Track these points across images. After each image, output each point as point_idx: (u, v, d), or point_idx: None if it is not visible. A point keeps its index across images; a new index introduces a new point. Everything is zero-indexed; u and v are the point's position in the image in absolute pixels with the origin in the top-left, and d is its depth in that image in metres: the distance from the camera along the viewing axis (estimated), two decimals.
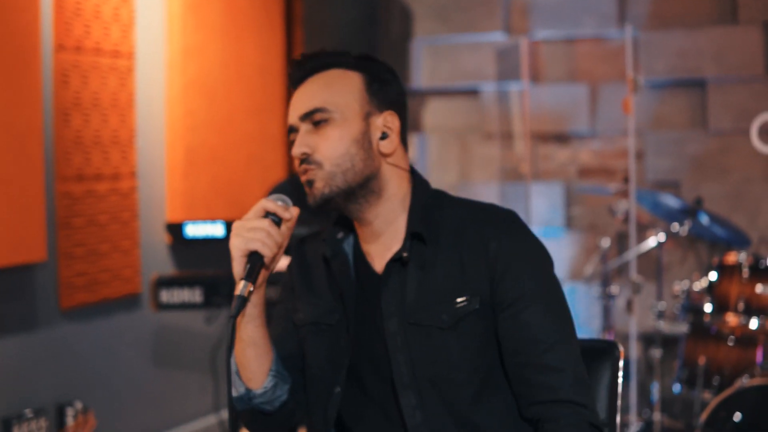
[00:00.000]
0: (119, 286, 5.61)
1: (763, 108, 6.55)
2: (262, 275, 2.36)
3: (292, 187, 6.00)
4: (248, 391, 2.47)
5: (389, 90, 2.49)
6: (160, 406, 6.06)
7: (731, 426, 4.99)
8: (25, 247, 4.95)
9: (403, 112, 2.52)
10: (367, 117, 2.45)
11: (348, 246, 2.53)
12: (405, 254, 2.41)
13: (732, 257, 5.42)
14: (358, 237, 2.52)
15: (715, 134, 6.87)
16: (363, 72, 2.48)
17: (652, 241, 5.95)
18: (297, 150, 2.43)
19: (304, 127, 2.44)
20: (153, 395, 5.99)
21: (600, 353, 2.62)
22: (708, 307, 5.42)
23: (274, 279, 2.54)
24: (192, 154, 6.08)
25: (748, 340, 5.54)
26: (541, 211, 7.14)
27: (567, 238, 7.22)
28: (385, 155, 2.46)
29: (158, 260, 5.96)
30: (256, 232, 2.33)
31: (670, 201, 6.05)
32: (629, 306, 5.02)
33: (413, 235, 2.43)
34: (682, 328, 5.62)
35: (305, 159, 2.42)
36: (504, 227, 2.43)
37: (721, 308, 5.38)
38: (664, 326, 5.72)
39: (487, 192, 7.44)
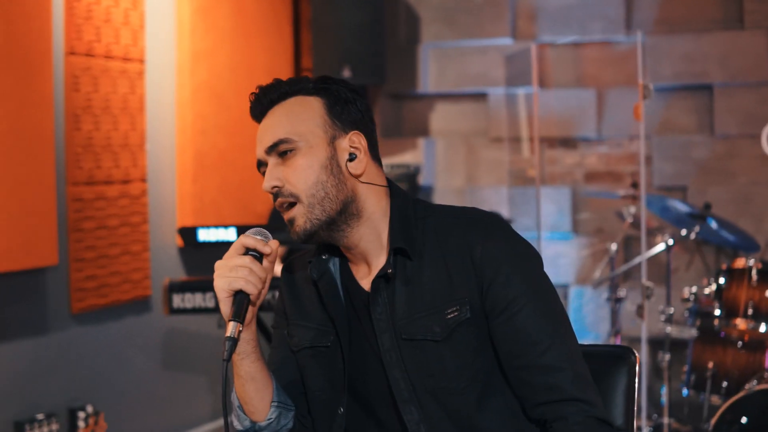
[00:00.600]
0: (129, 290, 5.63)
1: None
2: (251, 312, 2.36)
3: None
4: (253, 424, 2.48)
5: (351, 109, 2.46)
6: (171, 409, 6.07)
7: (739, 430, 5.00)
8: (36, 251, 4.97)
9: (369, 128, 2.49)
10: (332, 141, 2.42)
11: (334, 266, 2.51)
12: (390, 270, 2.40)
13: (740, 262, 5.43)
14: (344, 257, 2.51)
15: (721, 139, 6.88)
16: (322, 96, 2.45)
17: (660, 246, 5.96)
18: (267, 184, 2.41)
19: (272, 161, 2.42)
20: (163, 399, 6.00)
21: (616, 359, 2.62)
22: (717, 312, 5.43)
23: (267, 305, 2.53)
24: (202, 157, 6.09)
25: (756, 344, 5.55)
26: (549, 215, 7.14)
27: (574, 243, 7.23)
28: (355, 176, 2.43)
29: (168, 264, 5.98)
30: (239, 271, 2.32)
31: (679, 206, 6.06)
32: (640, 311, 5.01)
33: (396, 251, 2.41)
34: (691, 332, 5.63)
35: (277, 193, 2.41)
36: (487, 231, 2.41)
37: (730, 313, 5.39)
38: (673, 330, 5.73)
39: (494, 196, 7.45)
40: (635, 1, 7.12)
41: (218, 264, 2.37)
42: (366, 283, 2.46)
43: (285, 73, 6.89)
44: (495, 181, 7.52)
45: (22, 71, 4.84)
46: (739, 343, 5.58)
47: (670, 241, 5.89)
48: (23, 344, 5.08)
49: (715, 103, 6.88)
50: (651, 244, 6.09)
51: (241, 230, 4.98)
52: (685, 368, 5.72)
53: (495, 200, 7.40)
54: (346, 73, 6.82)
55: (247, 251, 2.37)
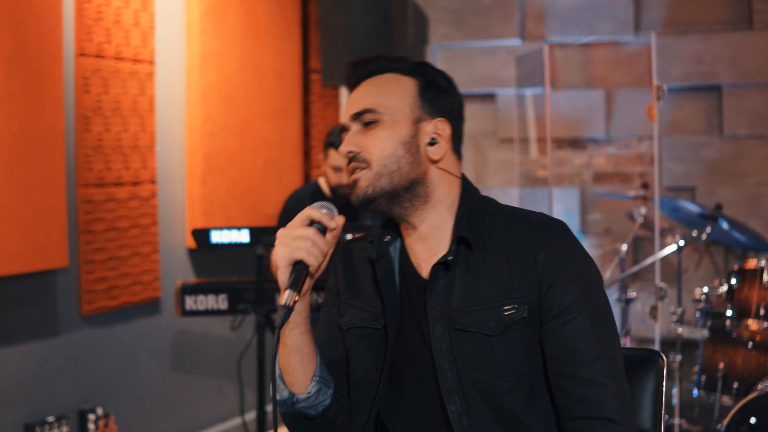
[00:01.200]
0: (139, 292, 5.62)
1: None
2: (307, 284, 2.35)
3: (310, 194, 6.02)
4: (291, 395, 2.46)
5: (443, 98, 2.48)
6: (181, 411, 6.07)
7: (750, 430, 4.98)
8: (46, 253, 4.96)
9: (457, 121, 2.51)
10: (417, 122, 2.45)
11: (394, 250, 2.53)
12: (450, 258, 2.40)
13: (752, 263, 5.41)
14: (405, 241, 2.52)
15: (730, 139, 6.87)
16: (417, 78, 2.48)
17: (672, 247, 5.95)
18: (344, 148, 2.45)
19: (355, 127, 2.46)
20: (173, 400, 6.00)
21: (644, 362, 2.62)
22: (728, 312, 5.42)
23: (320, 284, 2.52)
24: (211, 159, 6.09)
25: (767, 345, 5.55)
26: (557, 216, 7.08)
27: (583, 244, 7.20)
28: (433, 161, 2.46)
29: (177, 266, 5.97)
30: (302, 241, 2.33)
31: (690, 206, 6.05)
32: (653, 312, 5.00)
33: (460, 240, 2.42)
34: (702, 333, 5.62)
35: (353, 157, 2.44)
36: (553, 237, 2.43)
37: (741, 313, 5.37)
38: (684, 331, 5.71)
39: (504, 197, 7.41)
40: (644, 2, 7.11)
41: (281, 232, 2.37)
42: (424, 270, 2.47)
43: (293, 74, 6.88)
44: (504, 182, 7.51)
45: (32, 73, 4.84)
46: (750, 343, 5.57)
47: (681, 242, 5.88)
48: (33, 346, 5.07)
49: (724, 103, 6.87)
50: (662, 245, 6.08)
51: (254, 232, 4.97)
52: (696, 369, 5.71)
53: (504, 201, 7.31)
54: None
55: (312, 223, 2.37)
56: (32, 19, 4.83)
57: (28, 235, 4.82)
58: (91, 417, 5.25)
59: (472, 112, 7.65)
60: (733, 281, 5.43)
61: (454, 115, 2.51)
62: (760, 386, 5.03)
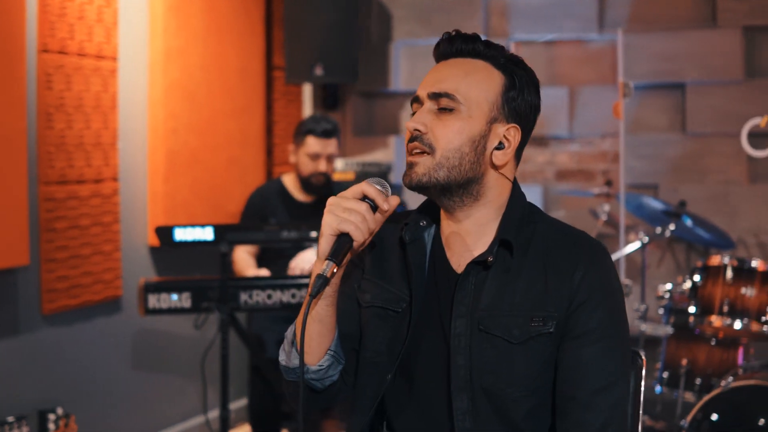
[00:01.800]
0: (101, 290, 5.58)
1: (742, 111, 6.60)
2: (346, 258, 2.33)
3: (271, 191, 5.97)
4: (303, 365, 2.41)
5: (523, 102, 2.43)
6: (143, 410, 6.03)
7: (710, 427, 5.01)
8: (7, 252, 4.91)
9: (529, 127, 2.47)
10: (491, 122, 2.39)
11: (428, 236, 2.49)
12: (490, 258, 2.37)
13: (716, 259, 5.44)
14: (441, 230, 2.48)
15: (693, 137, 6.89)
16: (507, 75, 2.42)
17: (635, 244, 5.96)
18: (413, 124, 2.38)
19: (429, 105, 2.39)
20: (135, 400, 5.96)
21: None
22: (692, 309, 5.44)
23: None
24: (173, 156, 6.05)
25: (730, 341, 5.59)
26: None
27: None
28: (494, 165, 2.41)
29: (138, 264, 5.93)
30: (352, 214, 2.29)
31: (654, 203, 6.06)
32: None
33: (502, 242, 2.39)
34: (665, 329, 5.64)
35: (418, 137, 2.37)
36: (593, 258, 2.39)
37: (705, 310, 5.40)
38: (647, 328, 5.73)
39: None
40: None
41: (332, 200, 2.33)
42: (456, 263, 2.43)
43: (257, 71, 6.85)
44: None
45: None
46: (713, 340, 5.61)
47: (645, 239, 5.89)
48: None
49: (688, 101, 6.90)
50: (626, 242, 6.09)
51: (218, 230, 4.94)
52: (659, 365, 5.73)
53: None
54: (318, 72, 6.80)
55: (364, 198, 2.33)
56: None
57: None
58: (52, 417, 5.19)
59: None
60: (697, 278, 5.46)
61: (528, 121, 2.46)
62: (723, 382, 5.06)
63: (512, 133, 2.41)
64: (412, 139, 2.38)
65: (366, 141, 7.64)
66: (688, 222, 5.88)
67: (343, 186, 6.08)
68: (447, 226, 2.46)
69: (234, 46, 6.63)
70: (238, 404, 6.67)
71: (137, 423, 5.98)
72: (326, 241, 2.30)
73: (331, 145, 5.75)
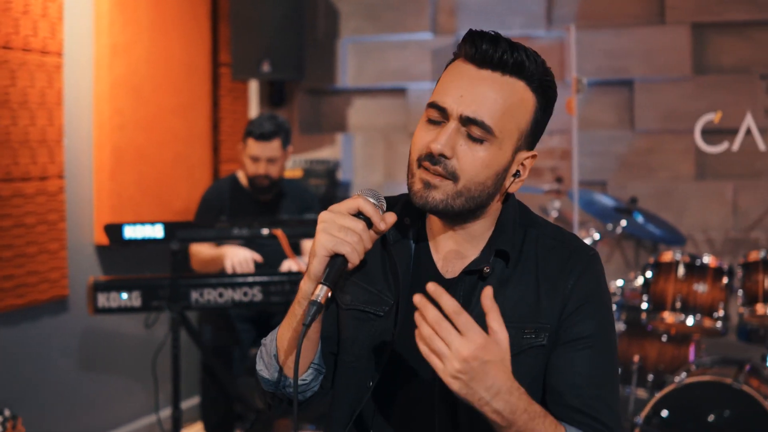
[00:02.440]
0: (47, 290, 5.48)
1: (690, 108, 6.62)
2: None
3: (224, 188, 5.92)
4: (284, 378, 2.32)
5: (544, 124, 2.30)
6: (93, 410, 5.95)
7: (660, 423, 5.02)
8: None
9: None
10: (517, 150, 2.25)
11: (412, 234, 2.36)
12: (486, 269, 2.27)
13: (668, 256, 5.46)
14: (428, 229, 2.36)
15: (642, 134, 6.91)
16: (540, 98, 2.25)
17: (587, 240, 5.95)
18: (439, 146, 2.16)
19: (455, 126, 2.18)
20: (85, 400, 5.87)
21: None
22: (644, 305, 5.45)
23: None
24: (119, 153, 5.96)
25: (682, 337, 5.61)
26: None
27: None
28: (508, 192, 2.30)
29: (85, 262, 5.84)
30: (348, 234, 2.15)
31: (605, 200, 6.06)
32: None
33: (498, 253, 2.29)
34: (617, 326, 5.64)
35: (441, 161, 2.18)
36: (585, 266, 2.30)
37: (657, 306, 5.41)
38: None
39: None
40: None
41: (326, 216, 2.17)
42: (444, 267, 2.33)
43: (202, 67, 6.78)
44: None
45: None
46: (665, 336, 5.63)
47: (597, 236, 5.89)
48: None
49: (636, 98, 6.91)
50: None
51: (168, 228, 4.87)
52: None
53: None
54: (265, 68, 6.74)
55: (359, 214, 2.18)
56: None
57: None
58: None
59: (383, 106, 7.61)
60: (649, 274, 5.47)
61: (537, 142, 2.33)
62: (677, 378, 5.07)
63: (530, 162, 2.29)
64: (432, 159, 2.18)
65: (313, 138, 7.58)
66: (639, 218, 5.88)
67: (294, 184, 6.05)
68: (438, 229, 2.34)
69: (180, 41, 6.55)
70: (188, 403, 6.59)
71: (86, 423, 5.89)
72: (319, 263, 2.16)
73: (270, 149, 5.70)
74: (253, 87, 7.54)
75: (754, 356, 5.48)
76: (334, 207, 2.19)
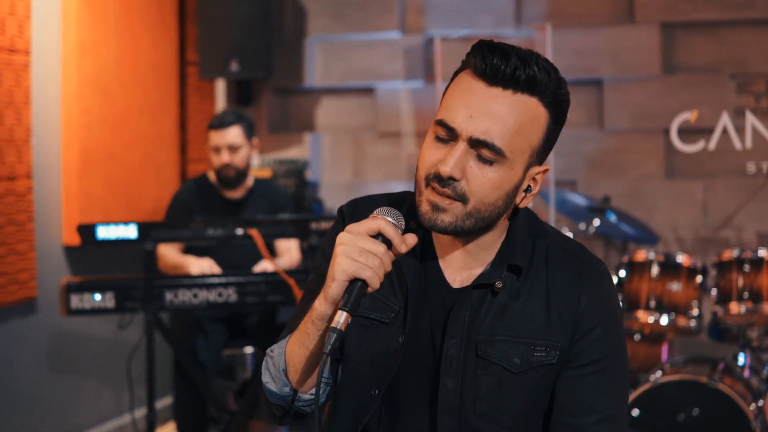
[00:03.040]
0: (16, 291, 5.40)
1: (659, 107, 6.64)
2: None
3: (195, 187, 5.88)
4: (295, 393, 2.25)
5: (556, 136, 2.22)
6: (64, 412, 5.88)
7: (633, 422, 5.03)
8: None
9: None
10: (528, 167, 2.18)
11: (418, 240, 2.24)
12: (499, 284, 2.21)
13: (641, 255, 5.46)
14: (434, 235, 2.29)
15: (611, 133, 6.91)
16: (552, 113, 2.17)
17: None
18: (447, 170, 2.09)
19: (464, 147, 2.11)
20: (55, 402, 5.80)
21: None
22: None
23: None
24: (88, 153, 5.89)
25: (655, 337, 5.61)
26: None
27: None
28: (518, 207, 2.24)
29: (53, 263, 5.77)
30: (370, 259, 2.04)
31: (578, 199, 6.06)
32: None
33: (509, 267, 2.23)
34: None
35: (450, 183, 2.11)
36: (597, 281, 2.25)
37: (631, 306, 5.41)
38: None
39: (381, 192, 7.36)
40: None
41: (345, 238, 2.07)
42: (452, 277, 2.27)
43: (170, 67, 6.72)
44: (384, 176, 7.44)
45: None
46: (638, 335, 5.63)
47: (570, 235, 5.88)
48: None
49: (605, 97, 6.91)
50: None
51: (142, 228, 4.82)
52: None
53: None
54: (233, 67, 6.70)
55: (379, 236, 2.08)
56: None
57: None
58: None
59: (351, 106, 7.58)
60: (622, 273, 5.47)
61: (550, 151, 2.26)
62: (651, 377, 5.07)
63: (542, 177, 2.23)
64: (441, 181, 2.12)
65: (281, 138, 7.54)
66: (612, 217, 5.89)
67: (266, 184, 6.02)
68: (445, 239, 2.27)
69: (148, 40, 6.49)
70: (161, 403, 6.53)
71: (58, 425, 5.82)
72: (339, 287, 2.05)
73: (229, 135, 5.76)
74: (221, 86, 7.49)
75: (726, 355, 5.49)
76: (353, 227, 2.10)
